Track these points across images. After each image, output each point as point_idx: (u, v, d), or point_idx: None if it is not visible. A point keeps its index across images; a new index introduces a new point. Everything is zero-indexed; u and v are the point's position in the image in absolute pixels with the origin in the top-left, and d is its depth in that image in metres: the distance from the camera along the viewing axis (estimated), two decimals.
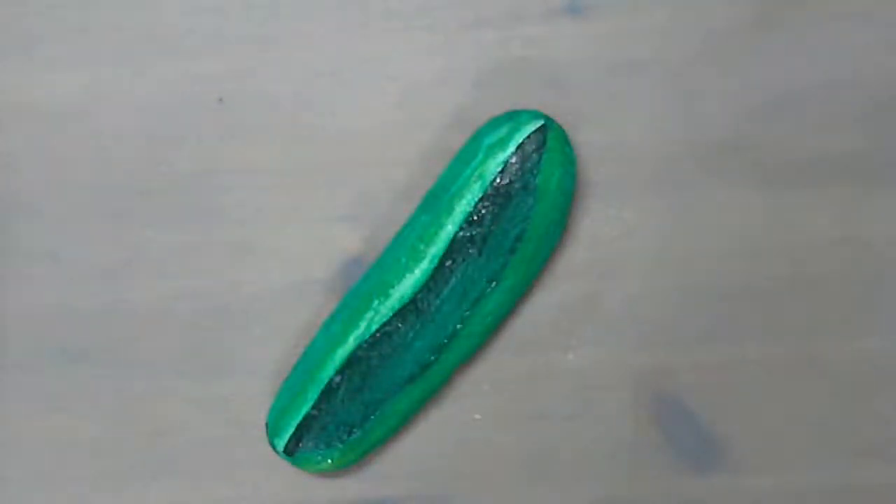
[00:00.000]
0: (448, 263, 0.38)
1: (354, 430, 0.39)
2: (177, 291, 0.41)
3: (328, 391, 0.38)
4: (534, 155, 0.38)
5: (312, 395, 0.38)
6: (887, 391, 0.40)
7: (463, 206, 0.38)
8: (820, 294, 0.40)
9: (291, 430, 0.39)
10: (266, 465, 0.41)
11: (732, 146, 0.41)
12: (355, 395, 0.38)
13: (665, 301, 0.40)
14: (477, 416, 0.41)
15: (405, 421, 0.40)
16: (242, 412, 0.41)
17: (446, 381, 0.40)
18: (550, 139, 0.39)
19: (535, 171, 0.38)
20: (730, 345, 0.40)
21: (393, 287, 0.38)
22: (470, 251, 0.38)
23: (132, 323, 0.41)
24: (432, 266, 0.38)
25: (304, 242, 0.41)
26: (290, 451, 0.39)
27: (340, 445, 0.39)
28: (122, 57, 0.42)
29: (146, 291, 0.41)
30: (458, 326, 0.38)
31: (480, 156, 0.39)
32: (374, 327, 0.38)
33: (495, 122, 0.39)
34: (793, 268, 0.40)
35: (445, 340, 0.38)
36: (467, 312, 0.38)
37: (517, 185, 0.38)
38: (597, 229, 0.41)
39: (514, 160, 0.38)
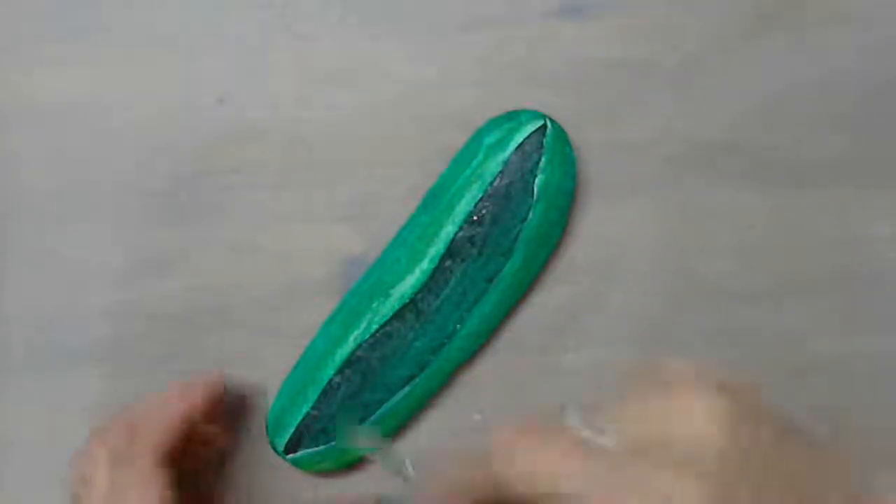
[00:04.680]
0: (448, 263, 0.38)
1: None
2: (177, 291, 0.41)
3: (328, 391, 0.38)
4: (534, 155, 0.38)
5: (312, 395, 0.38)
6: (887, 391, 0.40)
7: (463, 206, 0.38)
8: (820, 294, 0.40)
9: (291, 430, 0.39)
10: (266, 465, 0.41)
11: (732, 146, 0.41)
12: (355, 395, 0.38)
13: (665, 301, 0.40)
14: (477, 417, 0.41)
15: (405, 421, 0.40)
16: (242, 412, 0.41)
17: (446, 381, 0.40)
18: (550, 139, 0.39)
19: (534, 171, 0.38)
20: (729, 345, 0.40)
21: (393, 287, 0.38)
22: (470, 251, 0.38)
23: (132, 323, 0.41)
24: (432, 266, 0.38)
25: (304, 242, 0.41)
26: (290, 451, 0.39)
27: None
28: (122, 57, 0.42)
29: (146, 291, 0.41)
30: (458, 326, 0.38)
31: (480, 156, 0.39)
32: (374, 327, 0.38)
33: (495, 122, 0.39)
34: (793, 268, 0.40)
35: (445, 340, 0.38)
36: (467, 312, 0.38)
37: (517, 186, 0.38)
38: (597, 229, 0.41)
39: (514, 160, 0.38)
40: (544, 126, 0.39)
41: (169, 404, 0.36)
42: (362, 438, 0.36)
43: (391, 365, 0.38)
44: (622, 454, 0.25)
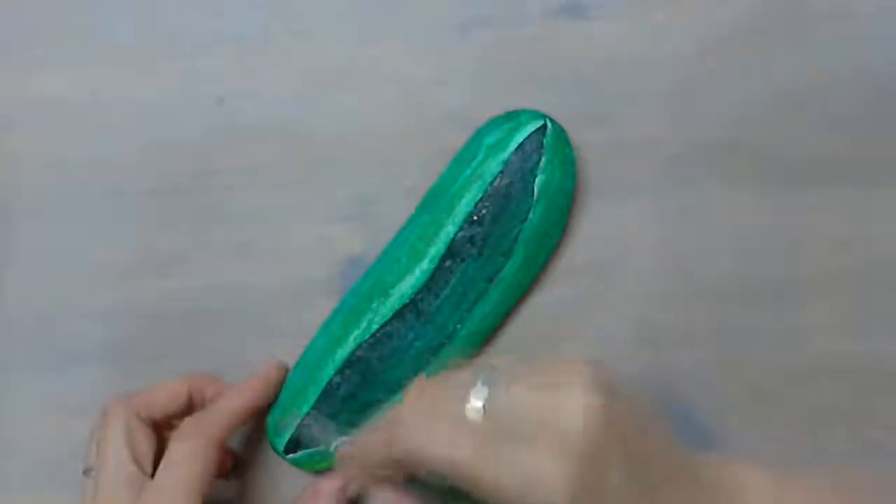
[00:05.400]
0: (448, 263, 0.38)
1: (354, 430, 0.39)
2: (177, 291, 0.41)
3: (328, 391, 0.38)
4: (534, 155, 0.38)
5: (312, 395, 0.38)
6: (888, 391, 0.40)
7: (463, 206, 0.38)
8: (820, 294, 0.40)
9: (291, 431, 0.39)
10: (266, 465, 0.41)
11: (732, 146, 0.41)
12: (355, 395, 0.38)
13: (665, 301, 0.40)
14: None
15: None
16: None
17: None
18: (550, 139, 0.39)
19: (535, 171, 0.38)
20: (730, 345, 0.40)
21: (393, 287, 0.38)
22: (470, 251, 0.38)
23: (132, 323, 0.41)
24: (432, 266, 0.38)
25: (304, 242, 0.41)
26: (289, 451, 0.39)
27: None
28: (122, 57, 0.42)
29: (146, 291, 0.41)
30: (458, 326, 0.38)
31: (480, 156, 0.39)
32: (374, 327, 0.38)
33: (495, 122, 0.39)
34: (793, 268, 0.40)
35: (445, 340, 0.38)
36: (467, 312, 0.38)
37: (517, 185, 0.38)
38: (597, 229, 0.41)
39: (514, 160, 0.38)
40: (544, 126, 0.39)
41: (244, 392, 0.38)
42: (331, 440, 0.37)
43: (391, 365, 0.38)
44: (498, 433, 0.28)
